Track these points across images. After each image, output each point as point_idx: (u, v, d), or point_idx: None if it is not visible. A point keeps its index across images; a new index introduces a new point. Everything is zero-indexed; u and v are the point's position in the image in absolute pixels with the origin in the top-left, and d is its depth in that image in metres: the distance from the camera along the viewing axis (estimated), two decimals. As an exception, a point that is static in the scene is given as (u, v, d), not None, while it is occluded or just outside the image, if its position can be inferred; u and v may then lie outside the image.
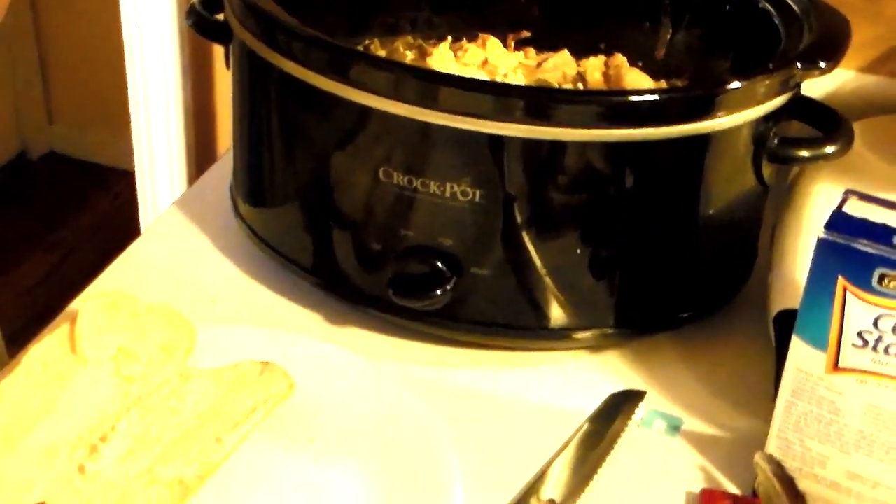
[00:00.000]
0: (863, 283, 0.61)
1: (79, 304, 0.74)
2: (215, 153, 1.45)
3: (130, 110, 1.44)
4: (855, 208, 0.63)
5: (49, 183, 2.54)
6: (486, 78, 0.88)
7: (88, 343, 0.70)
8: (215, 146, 1.46)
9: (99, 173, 2.53)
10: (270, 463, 0.68)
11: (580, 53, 0.93)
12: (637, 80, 0.89)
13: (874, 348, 0.62)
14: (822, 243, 0.62)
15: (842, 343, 0.63)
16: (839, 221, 0.62)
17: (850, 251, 0.61)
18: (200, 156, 1.45)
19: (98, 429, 0.66)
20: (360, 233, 0.77)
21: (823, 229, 0.62)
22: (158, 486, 0.63)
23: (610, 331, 0.79)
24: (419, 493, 0.66)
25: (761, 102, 0.74)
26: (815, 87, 0.80)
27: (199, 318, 0.76)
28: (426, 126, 0.71)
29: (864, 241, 0.61)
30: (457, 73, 0.86)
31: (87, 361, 0.70)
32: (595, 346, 0.80)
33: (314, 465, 0.68)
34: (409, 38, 0.94)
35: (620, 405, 0.75)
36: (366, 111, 0.72)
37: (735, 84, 0.72)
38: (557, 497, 0.67)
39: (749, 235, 0.84)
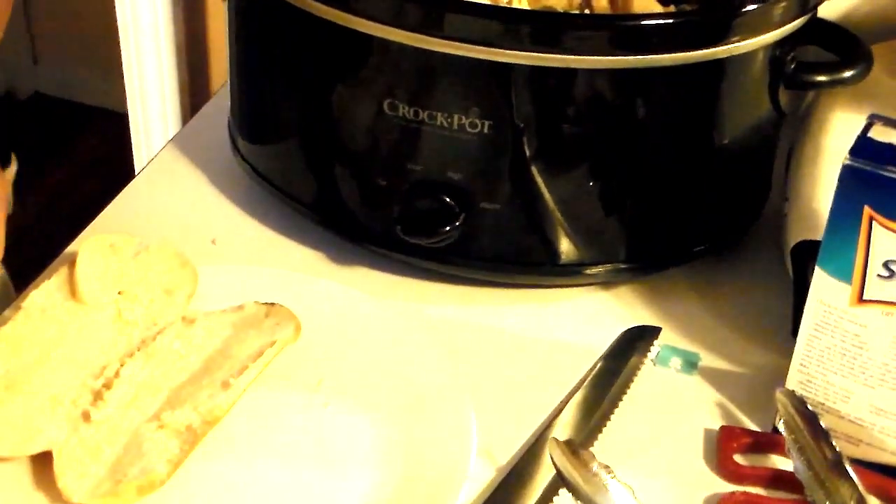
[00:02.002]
0: (890, 211, 0.59)
1: (77, 246, 0.72)
2: (209, 90, 1.42)
3: (121, 48, 1.40)
4: (880, 133, 0.61)
5: (36, 124, 2.51)
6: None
7: (88, 287, 0.68)
8: (209, 83, 1.43)
9: (86, 114, 2.49)
10: (279, 407, 0.66)
11: (585, -22, 0.90)
12: (645, 5, 0.86)
13: (901, 279, 0.60)
14: (847, 170, 0.60)
15: (867, 274, 0.61)
16: (865, 147, 0.60)
17: (877, 178, 0.59)
18: (194, 93, 1.42)
19: (101, 375, 0.64)
20: (366, 168, 0.75)
21: (849, 156, 0.60)
22: (166, 432, 0.61)
23: (622, 266, 0.77)
24: (433, 433, 0.64)
25: (778, 26, 0.71)
26: (827, 10, 0.78)
27: (199, 258, 0.74)
28: (431, 55, 0.68)
29: (892, 168, 0.59)
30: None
31: (88, 305, 0.68)
32: (607, 282, 0.79)
33: (323, 408, 0.66)
34: (408, -35, 0.91)
35: (635, 342, 0.73)
36: (369, 40, 0.69)
37: (751, 7, 0.70)
38: (575, 437, 0.65)
39: (764, 165, 0.82)
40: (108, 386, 0.63)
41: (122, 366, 0.65)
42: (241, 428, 0.64)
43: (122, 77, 1.46)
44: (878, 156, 0.59)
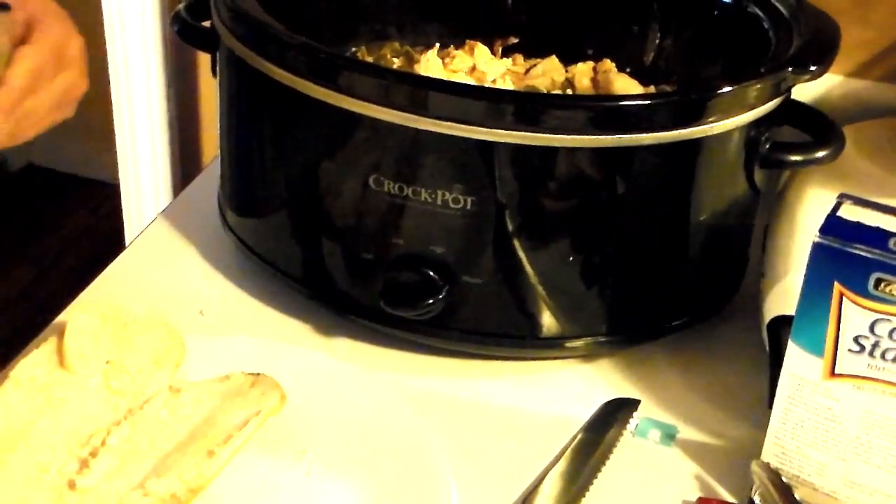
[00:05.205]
0: (859, 287, 0.61)
1: (67, 316, 0.73)
2: (200, 163, 1.44)
3: (114, 120, 1.42)
4: (849, 212, 0.63)
5: (28, 195, 2.52)
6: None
7: (77, 356, 0.69)
8: (200, 156, 1.45)
9: (78, 186, 2.51)
10: (262, 476, 0.67)
11: (568, 59, 0.92)
12: (626, 86, 0.88)
13: (871, 353, 0.62)
14: (817, 248, 0.62)
15: (838, 349, 0.63)
16: (834, 225, 0.62)
17: (846, 255, 0.61)
18: (185, 166, 1.44)
19: (88, 443, 0.65)
20: (351, 242, 0.76)
21: (818, 233, 0.61)
22: (150, 500, 0.62)
23: (602, 339, 0.78)
24: (413, 504, 0.65)
25: (752, 107, 0.73)
26: (804, 91, 0.80)
27: (187, 329, 0.75)
28: (417, 133, 0.70)
29: (860, 246, 0.60)
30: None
31: (76, 375, 0.69)
32: (588, 355, 0.80)
33: (306, 478, 0.67)
34: (396, 45, 0.93)
35: (614, 414, 0.75)
36: (355, 118, 0.71)
37: (726, 88, 0.72)
38: (554, 507, 0.66)
39: (741, 241, 0.84)
40: (94, 454, 0.64)
41: (108, 434, 0.66)
42: (225, 496, 0.65)
43: (115, 149, 1.48)
44: (847, 234, 0.61)
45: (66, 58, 0.68)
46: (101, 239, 2.31)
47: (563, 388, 0.78)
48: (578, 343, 0.78)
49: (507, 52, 0.95)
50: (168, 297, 0.83)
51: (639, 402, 0.76)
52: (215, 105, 0.85)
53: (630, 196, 0.73)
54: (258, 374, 0.71)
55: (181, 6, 0.85)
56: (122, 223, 1.56)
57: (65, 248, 2.33)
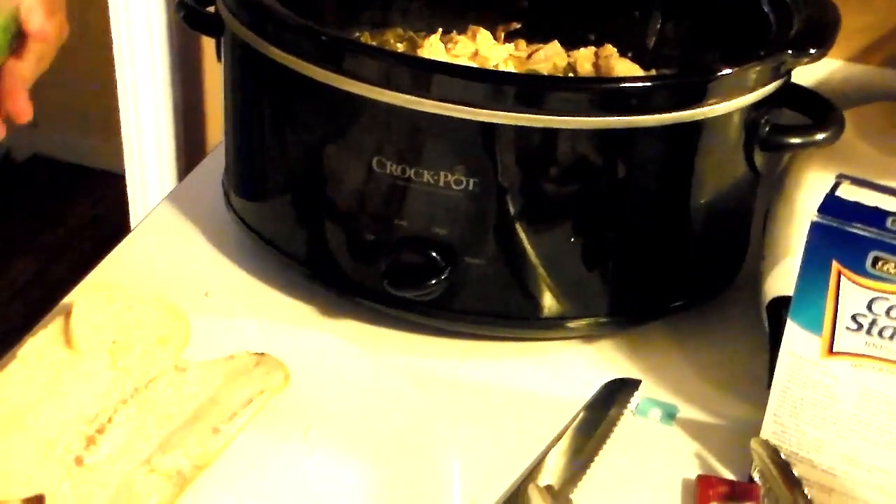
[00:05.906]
0: (857, 266, 0.61)
1: (73, 297, 0.74)
2: (205, 152, 1.45)
3: (119, 108, 1.43)
4: (847, 192, 0.64)
5: (34, 186, 2.53)
6: (477, 69, 0.88)
7: (83, 336, 0.70)
8: (205, 145, 1.45)
9: (83, 176, 2.52)
10: (267, 453, 0.68)
11: (570, 44, 0.93)
12: (627, 71, 0.89)
13: (868, 332, 0.63)
14: (815, 227, 0.62)
15: (836, 327, 0.63)
16: (832, 205, 0.63)
17: (844, 234, 0.61)
18: (190, 153, 1.45)
19: (95, 421, 0.66)
20: (354, 223, 0.77)
21: (817, 213, 0.62)
22: (156, 476, 0.63)
23: (603, 319, 0.79)
24: (416, 482, 0.66)
25: (752, 90, 0.74)
26: (805, 76, 0.81)
27: (193, 310, 0.75)
28: (419, 115, 0.71)
29: (858, 225, 0.61)
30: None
31: (83, 354, 0.70)
32: (589, 335, 0.81)
33: (310, 455, 0.68)
34: (400, 31, 0.94)
35: (616, 393, 0.75)
36: (359, 101, 0.72)
37: (726, 71, 0.73)
38: (555, 484, 0.67)
39: (741, 223, 0.84)
40: (100, 431, 0.65)
41: (115, 412, 0.66)
42: (230, 472, 0.66)
43: (120, 139, 1.48)
44: (845, 213, 0.62)
45: None
46: (107, 229, 2.31)
47: (564, 369, 0.78)
48: (580, 323, 0.79)
49: (509, 38, 0.95)
50: (173, 278, 0.83)
51: (640, 381, 0.77)
52: (220, 93, 0.85)
53: (631, 178, 0.74)
54: (262, 354, 0.72)
55: (186, -8, 0.85)
56: (128, 213, 1.57)
57: (70, 239, 2.34)
